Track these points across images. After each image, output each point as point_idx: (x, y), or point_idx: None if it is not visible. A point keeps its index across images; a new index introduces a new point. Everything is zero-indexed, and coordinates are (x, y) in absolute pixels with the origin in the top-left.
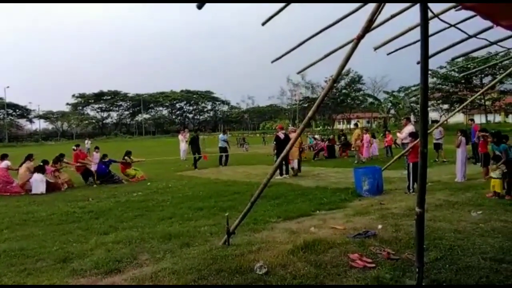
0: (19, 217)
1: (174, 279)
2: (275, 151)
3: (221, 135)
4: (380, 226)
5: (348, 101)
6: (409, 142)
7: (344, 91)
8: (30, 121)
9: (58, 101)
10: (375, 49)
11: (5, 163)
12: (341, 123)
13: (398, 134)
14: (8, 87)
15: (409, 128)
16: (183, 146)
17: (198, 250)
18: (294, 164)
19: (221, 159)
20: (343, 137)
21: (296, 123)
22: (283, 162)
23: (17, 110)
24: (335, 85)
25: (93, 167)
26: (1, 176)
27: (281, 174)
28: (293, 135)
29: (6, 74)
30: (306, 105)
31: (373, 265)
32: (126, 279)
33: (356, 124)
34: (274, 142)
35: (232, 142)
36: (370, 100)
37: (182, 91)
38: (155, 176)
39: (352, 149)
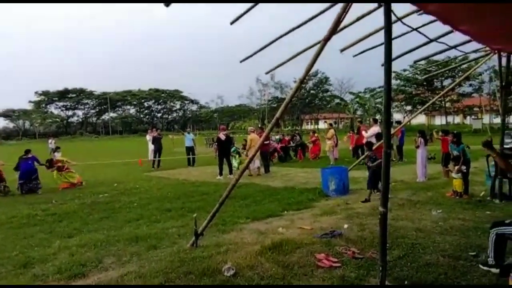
0: None
1: (141, 282)
2: (217, 152)
3: (187, 134)
4: (346, 226)
5: (316, 101)
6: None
7: (312, 91)
8: None
9: (19, 99)
10: (341, 51)
11: None
12: (309, 123)
13: (363, 133)
14: None
15: (375, 129)
16: (151, 146)
17: (165, 253)
18: (256, 164)
19: (189, 160)
20: (297, 137)
21: (265, 123)
22: (225, 162)
23: None
24: (303, 85)
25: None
26: None
27: (220, 174)
28: (252, 135)
29: None
30: (275, 105)
31: (339, 264)
32: (90, 283)
33: (330, 124)
34: (215, 144)
35: (200, 141)
36: (337, 101)
37: (150, 89)
38: (123, 176)
39: (326, 149)
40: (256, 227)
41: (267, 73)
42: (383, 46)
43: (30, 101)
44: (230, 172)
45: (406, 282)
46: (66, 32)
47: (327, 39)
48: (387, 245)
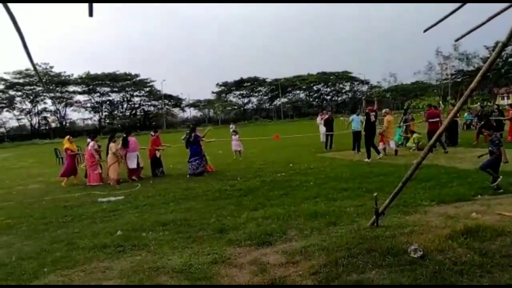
0: (181, 193)
1: (324, 254)
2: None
3: (354, 116)
4: None
5: None
6: None
7: (510, 59)
8: (182, 109)
9: (205, 90)
10: None
11: (92, 144)
12: (506, 98)
13: None
14: (164, 80)
15: None
16: (322, 128)
17: (345, 229)
18: (392, 145)
19: (354, 145)
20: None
21: (448, 100)
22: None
23: (172, 100)
24: (501, 54)
25: (235, 147)
26: (87, 159)
27: (368, 156)
28: (388, 117)
29: (162, 68)
30: (459, 79)
31: None
32: (277, 251)
33: None
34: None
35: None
36: None
37: (318, 73)
38: (296, 157)
39: None
40: (443, 210)
41: (457, 39)
42: None
43: (212, 92)
44: (377, 151)
45: None
46: (238, 26)
47: None
48: None
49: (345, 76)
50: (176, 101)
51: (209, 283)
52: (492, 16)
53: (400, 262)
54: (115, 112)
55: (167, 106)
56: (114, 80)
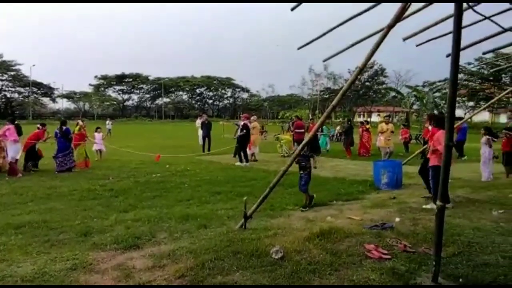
0: (43, 191)
1: (191, 257)
2: (240, 139)
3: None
4: (397, 219)
5: (370, 94)
6: None
7: (367, 83)
8: (53, 100)
9: (81, 82)
10: (404, 39)
11: None
12: (362, 116)
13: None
14: (34, 65)
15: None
16: (200, 131)
17: (215, 232)
18: (256, 150)
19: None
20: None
21: (316, 113)
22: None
23: (41, 89)
24: (358, 77)
25: (96, 146)
26: None
27: (240, 160)
28: (254, 124)
29: (31, 52)
30: (327, 96)
31: (389, 256)
32: (144, 255)
33: (388, 116)
34: (244, 131)
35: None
36: (392, 94)
37: (202, 76)
38: (174, 159)
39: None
40: (304, 214)
41: (325, 60)
42: (447, 36)
43: (90, 84)
44: (246, 159)
45: (460, 280)
46: (122, 22)
47: (391, 26)
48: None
49: (227, 82)
50: (47, 90)
51: None
52: (356, 42)
53: (262, 264)
54: None
55: (35, 95)
56: None
